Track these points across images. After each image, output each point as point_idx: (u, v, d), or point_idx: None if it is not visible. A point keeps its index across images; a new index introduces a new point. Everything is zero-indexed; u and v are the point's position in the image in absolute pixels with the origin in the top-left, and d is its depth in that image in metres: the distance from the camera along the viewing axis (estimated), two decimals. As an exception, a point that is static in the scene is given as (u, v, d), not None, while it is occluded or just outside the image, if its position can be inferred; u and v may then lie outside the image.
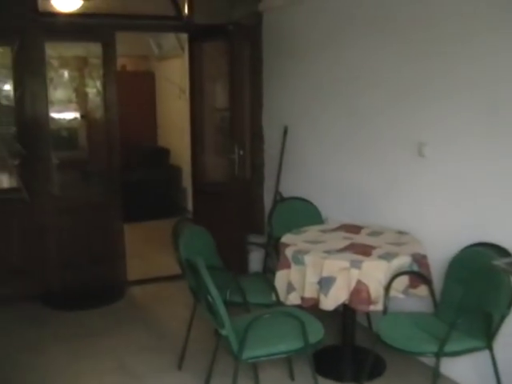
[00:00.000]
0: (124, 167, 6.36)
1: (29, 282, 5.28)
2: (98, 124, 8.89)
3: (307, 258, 3.57)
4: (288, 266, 3.67)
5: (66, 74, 9.51)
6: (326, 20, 4.86)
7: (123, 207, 5.58)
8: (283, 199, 5.25)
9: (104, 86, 5.35)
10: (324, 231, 4.18)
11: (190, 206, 8.41)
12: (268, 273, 5.02)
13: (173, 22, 5.62)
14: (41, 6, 5.13)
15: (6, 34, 4.95)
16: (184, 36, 7.92)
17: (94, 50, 7.91)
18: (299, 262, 3.60)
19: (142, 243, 7.21)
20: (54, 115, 9.37)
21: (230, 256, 4.98)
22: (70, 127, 9.62)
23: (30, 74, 5.04)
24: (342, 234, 4.08)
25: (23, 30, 4.95)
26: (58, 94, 9.62)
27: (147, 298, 5.49)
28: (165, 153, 8.72)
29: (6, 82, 5.24)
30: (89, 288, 5.48)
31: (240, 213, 5.35)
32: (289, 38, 5.38)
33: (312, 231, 4.19)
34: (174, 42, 8.24)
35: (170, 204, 8.56)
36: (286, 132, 5.50)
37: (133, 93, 9.39)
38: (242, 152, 5.13)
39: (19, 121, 5.14)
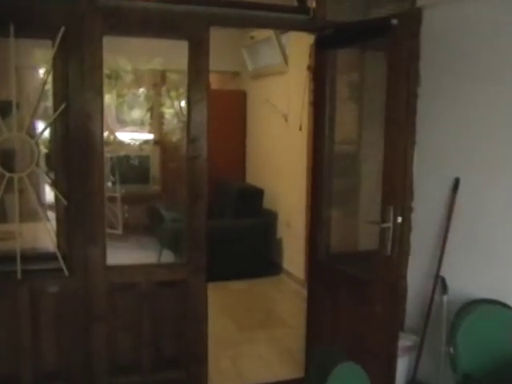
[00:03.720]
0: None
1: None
2: (176, 154, 7.33)
3: None
4: None
5: (138, 90, 7.99)
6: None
7: (207, 280, 3.73)
8: (466, 307, 3.26)
9: (189, 106, 3.55)
10: None
11: (285, 262, 6.63)
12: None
13: (294, 17, 3.76)
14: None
15: (46, 22, 3.23)
16: (291, 47, 6.19)
17: (175, 60, 6.36)
18: None
19: (227, 317, 5.38)
20: (122, 138, 7.89)
21: (369, 361, 3.13)
22: (140, 155, 8.04)
23: (79, 82, 3.30)
24: None
25: (71, 16, 3.23)
26: (126, 113, 8.06)
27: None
28: (257, 194, 6.85)
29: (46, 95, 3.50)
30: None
31: (383, 304, 3.41)
32: (467, 47, 3.49)
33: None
34: (277, 55, 6.44)
35: (261, 259, 6.70)
36: (456, 187, 3.57)
37: (218, 117, 7.61)
38: (400, 219, 3.21)
39: (58, 153, 3.41)
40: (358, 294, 3.54)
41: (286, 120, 6.37)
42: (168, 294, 3.62)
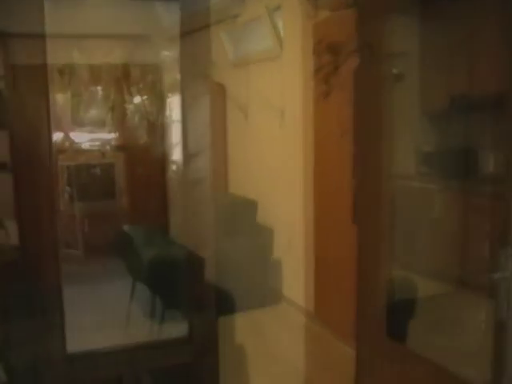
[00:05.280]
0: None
1: None
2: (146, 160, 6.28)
3: None
4: None
5: (97, 87, 6.71)
6: None
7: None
8: None
9: (183, 104, 2.37)
10: None
11: (285, 289, 5.50)
12: None
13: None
14: None
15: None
16: (286, 26, 5.04)
17: (140, 51, 5.28)
18: None
19: (232, 375, 4.21)
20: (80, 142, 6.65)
21: None
22: (103, 163, 6.82)
23: (10, 68, 2.10)
24: None
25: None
26: (81, 113, 6.76)
27: None
28: (250, 207, 5.66)
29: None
30: None
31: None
32: None
33: None
34: (269, 37, 5.27)
35: (257, 285, 5.52)
36: None
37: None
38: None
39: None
40: None
41: (281, 117, 5.20)
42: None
